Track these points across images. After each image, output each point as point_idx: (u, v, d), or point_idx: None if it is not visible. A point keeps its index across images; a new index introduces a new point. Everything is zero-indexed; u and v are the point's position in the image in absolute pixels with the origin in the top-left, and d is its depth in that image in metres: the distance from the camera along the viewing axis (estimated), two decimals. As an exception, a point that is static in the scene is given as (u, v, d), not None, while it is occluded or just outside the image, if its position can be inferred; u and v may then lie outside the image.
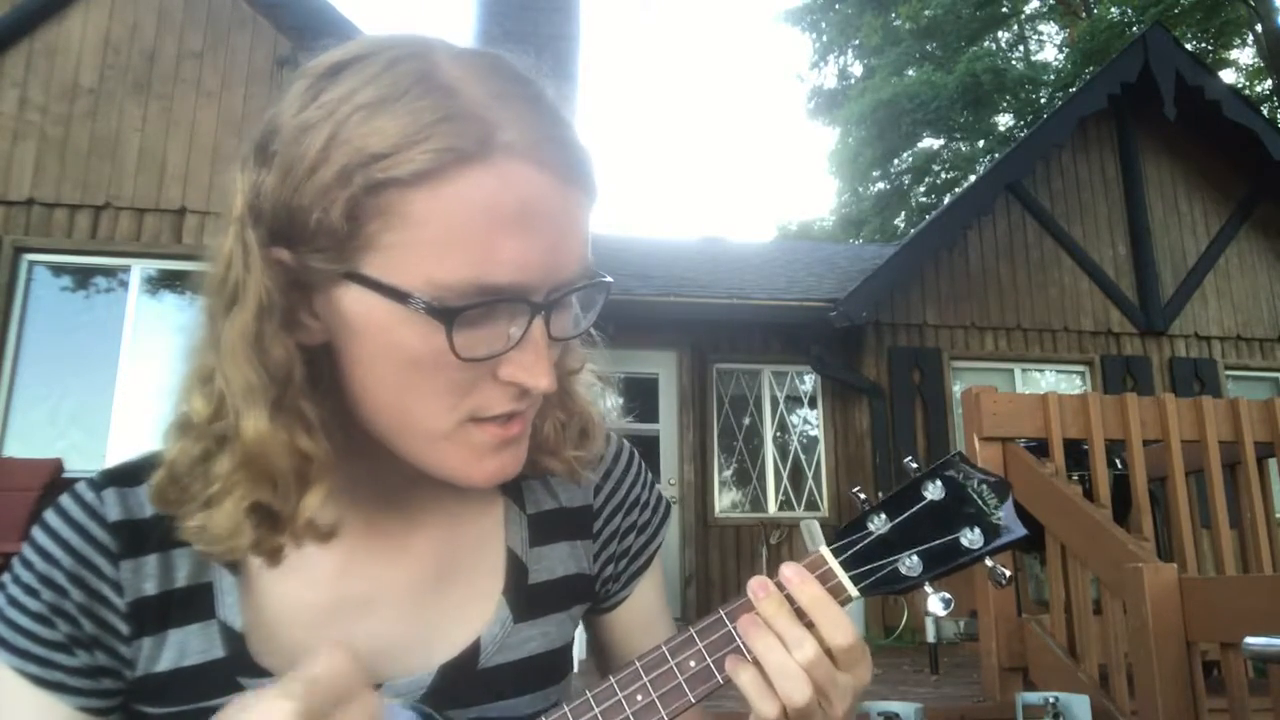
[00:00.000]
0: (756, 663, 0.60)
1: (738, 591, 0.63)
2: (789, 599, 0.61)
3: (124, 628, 0.63)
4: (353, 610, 0.66)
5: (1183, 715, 2.16)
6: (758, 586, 0.62)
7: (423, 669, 0.67)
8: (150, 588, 0.63)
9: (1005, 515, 0.64)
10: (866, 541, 0.63)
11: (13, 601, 0.62)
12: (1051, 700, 2.30)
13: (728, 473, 7.57)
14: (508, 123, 0.54)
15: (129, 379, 5.45)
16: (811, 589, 0.61)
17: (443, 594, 0.69)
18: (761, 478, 7.57)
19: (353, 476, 0.65)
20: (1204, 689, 2.19)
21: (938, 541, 0.63)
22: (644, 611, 0.80)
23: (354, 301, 0.55)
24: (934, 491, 0.64)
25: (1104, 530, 2.58)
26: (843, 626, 0.60)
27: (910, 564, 0.63)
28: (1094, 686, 2.63)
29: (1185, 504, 3.04)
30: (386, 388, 0.57)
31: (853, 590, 0.63)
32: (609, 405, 0.75)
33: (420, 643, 0.68)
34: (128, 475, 0.66)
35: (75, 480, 0.66)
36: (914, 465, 0.66)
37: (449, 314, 0.53)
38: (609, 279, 0.62)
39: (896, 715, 2.32)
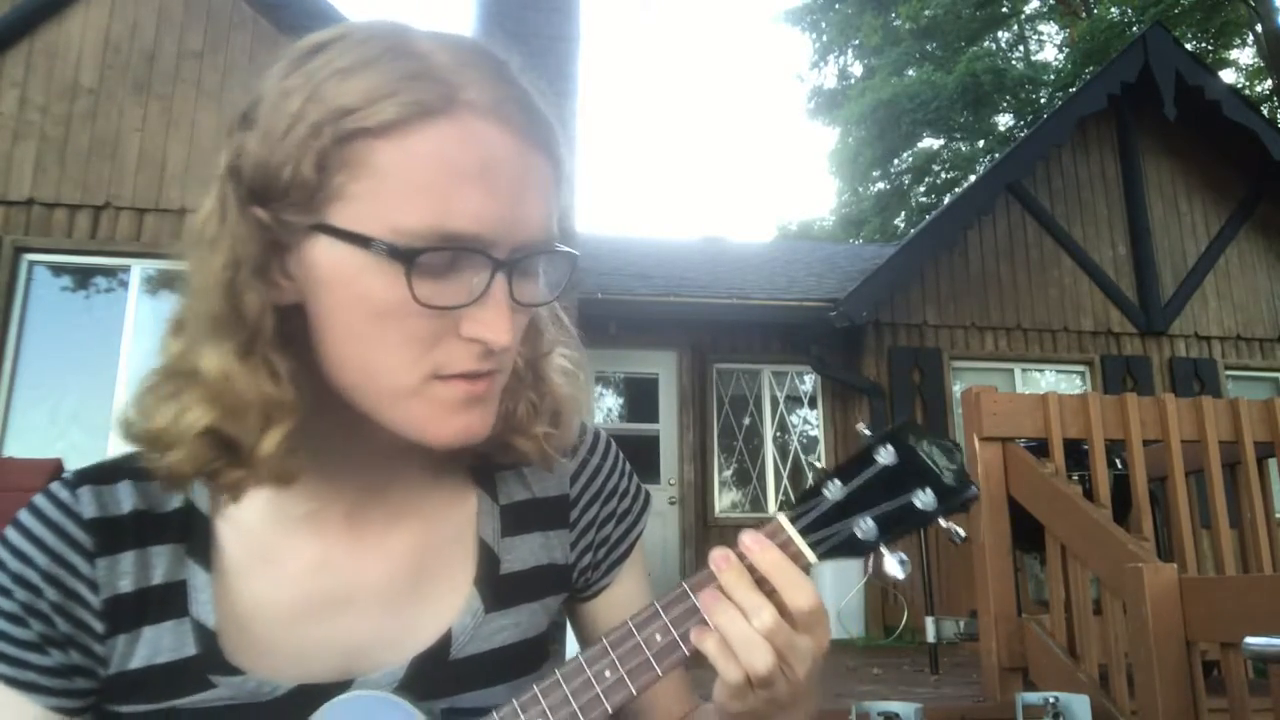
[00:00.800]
0: (720, 633, 0.61)
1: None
2: (750, 568, 0.62)
3: (99, 626, 0.63)
4: (327, 607, 0.67)
5: (1183, 715, 2.16)
6: (719, 557, 0.63)
7: (395, 662, 0.67)
8: (126, 585, 0.63)
9: (956, 476, 0.65)
10: (822, 508, 0.65)
11: None
12: (1051, 700, 2.30)
13: (728, 473, 7.57)
14: (472, 84, 0.57)
15: (129, 379, 5.45)
16: (770, 554, 0.62)
17: (417, 588, 0.70)
18: (761, 478, 7.58)
19: (333, 466, 0.66)
20: (1204, 689, 2.19)
21: (891, 504, 0.64)
22: (627, 600, 0.80)
23: (322, 253, 0.57)
24: (886, 456, 0.65)
25: (1104, 530, 2.58)
26: (803, 589, 0.61)
27: (865, 527, 0.64)
28: (1094, 686, 2.63)
29: (1185, 504, 3.04)
30: (354, 340, 0.58)
31: (810, 556, 0.63)
32: (583, 391, 0.76)
33: (393, 636, 0.68)
34: (103, 473, 0.66)
35: (73, 480, 0.66)
36: (866, 432, 0.68)
37: (409, 255, 0.54)
38: (575, 252, 0.63)
39: (896, 715, 2.31)
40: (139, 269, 5.66)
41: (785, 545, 0.63)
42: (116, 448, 0.61)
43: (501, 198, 0.56)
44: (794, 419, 7.82)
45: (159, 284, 5.72)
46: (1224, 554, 3.03)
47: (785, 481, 7.61)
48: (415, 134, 0.54)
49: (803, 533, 0.64)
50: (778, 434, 7.69)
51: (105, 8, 5.91)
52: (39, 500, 0.65)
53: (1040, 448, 3.06)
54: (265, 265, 0.57)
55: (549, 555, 0.75)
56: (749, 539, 0.63)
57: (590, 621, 0.81)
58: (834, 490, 0.65)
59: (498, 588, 0.72)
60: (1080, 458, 3.18)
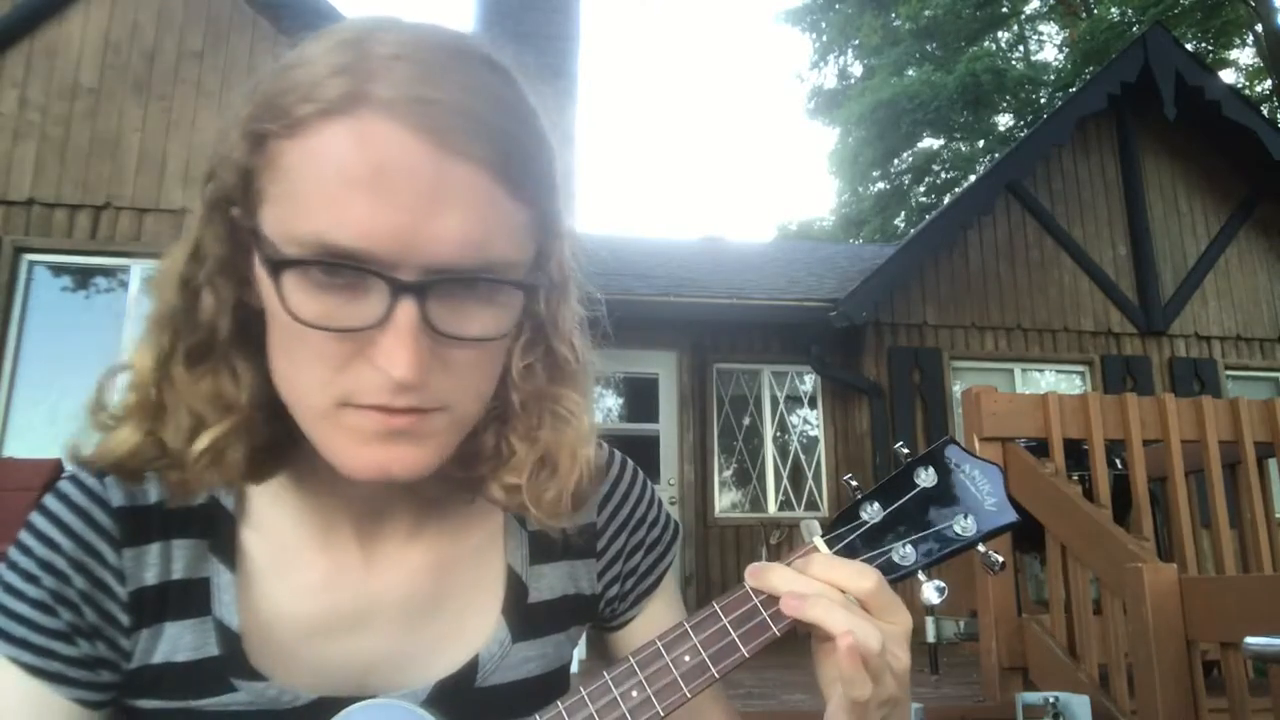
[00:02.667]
0: (806, 615, 0.58)
1: (738, 593, 0.63)
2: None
3: (124, 618, 0.61)
4: (345, 623, 0.65)
5: (1183, 715, 2.16)
6: (754, 568, 0.62)
7: (417, 682, 0.66)
8: (150, 577, 0.62)
9: (997, 501, 0.63)
10: (860, 531, 0.63)
11: (10, 589, 0.59)
12: (1051, 700, 2.30)
13: (728, 473, 7.57)
14: (389, 78, 0.50)
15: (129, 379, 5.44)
16: (819, 561, 0.60)
17: (440, 609, 0.68)
18: (761, 478, 7.57)
19: (338, 482, 0.64)
20: (1204, 689, 2.19)
21: (930, 530, 0.62)
22: (657, 632, 0.79)
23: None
24: (926, 479, 0.64)
25: (1104, 530, 2.58)
26: (861, 571, 0.59)
27: (904, 553, 0.62)
28: (1094, 686, 2.63)
29: (1185, 504, 3.04)
30: (276, 351, 0.56)
31: None
32: (591, 436, 0.67)
33: (415, 658, 0.67)
34: None
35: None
36: (905, 451, 0.66)
37: (276, 265, 0.50)
38: (523, 282, 0.55)
39: (896, 715, 2.31)
40: (139, 269, 5.65)
41: None
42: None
43: (398, 210, 0.49)
44: (794, 419, 7.82)
45: (159, 284, 5.72)
46: (1224, 554, 3.03)
47: (785, 481, 7.60)
48: (312, 135, 0.50)
49: (839, 556, 0.62)
50: (778, 434, 7.69)
51: (105, 8, 5.91)
52: (65, 486, 0.62)
53: (1040, 448, 3.06)
54: (236, 265, 0.56)
55: (575, 585, 0.73)
56: (789, 562, 0.61)
57: (618, 653, 0.78)
58: (872, 513, 0.63)
59: (525, 617, 0.70)
60: (1080, 458, 3.18)
